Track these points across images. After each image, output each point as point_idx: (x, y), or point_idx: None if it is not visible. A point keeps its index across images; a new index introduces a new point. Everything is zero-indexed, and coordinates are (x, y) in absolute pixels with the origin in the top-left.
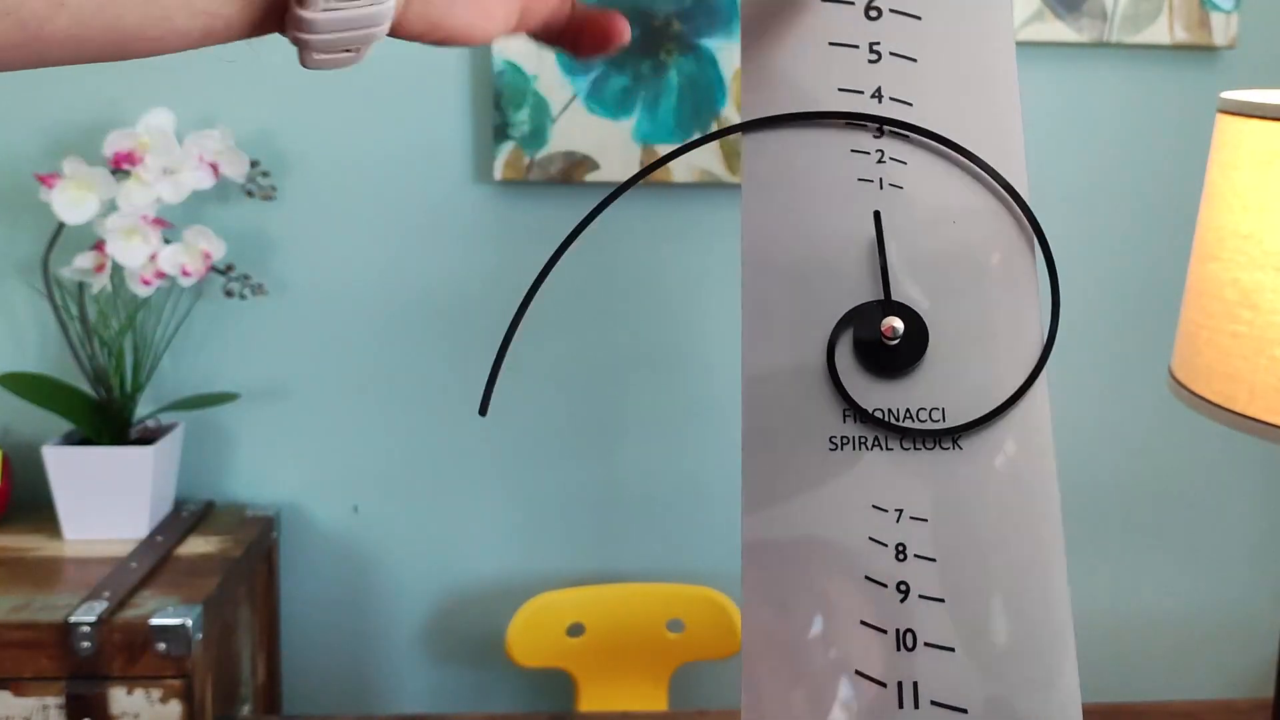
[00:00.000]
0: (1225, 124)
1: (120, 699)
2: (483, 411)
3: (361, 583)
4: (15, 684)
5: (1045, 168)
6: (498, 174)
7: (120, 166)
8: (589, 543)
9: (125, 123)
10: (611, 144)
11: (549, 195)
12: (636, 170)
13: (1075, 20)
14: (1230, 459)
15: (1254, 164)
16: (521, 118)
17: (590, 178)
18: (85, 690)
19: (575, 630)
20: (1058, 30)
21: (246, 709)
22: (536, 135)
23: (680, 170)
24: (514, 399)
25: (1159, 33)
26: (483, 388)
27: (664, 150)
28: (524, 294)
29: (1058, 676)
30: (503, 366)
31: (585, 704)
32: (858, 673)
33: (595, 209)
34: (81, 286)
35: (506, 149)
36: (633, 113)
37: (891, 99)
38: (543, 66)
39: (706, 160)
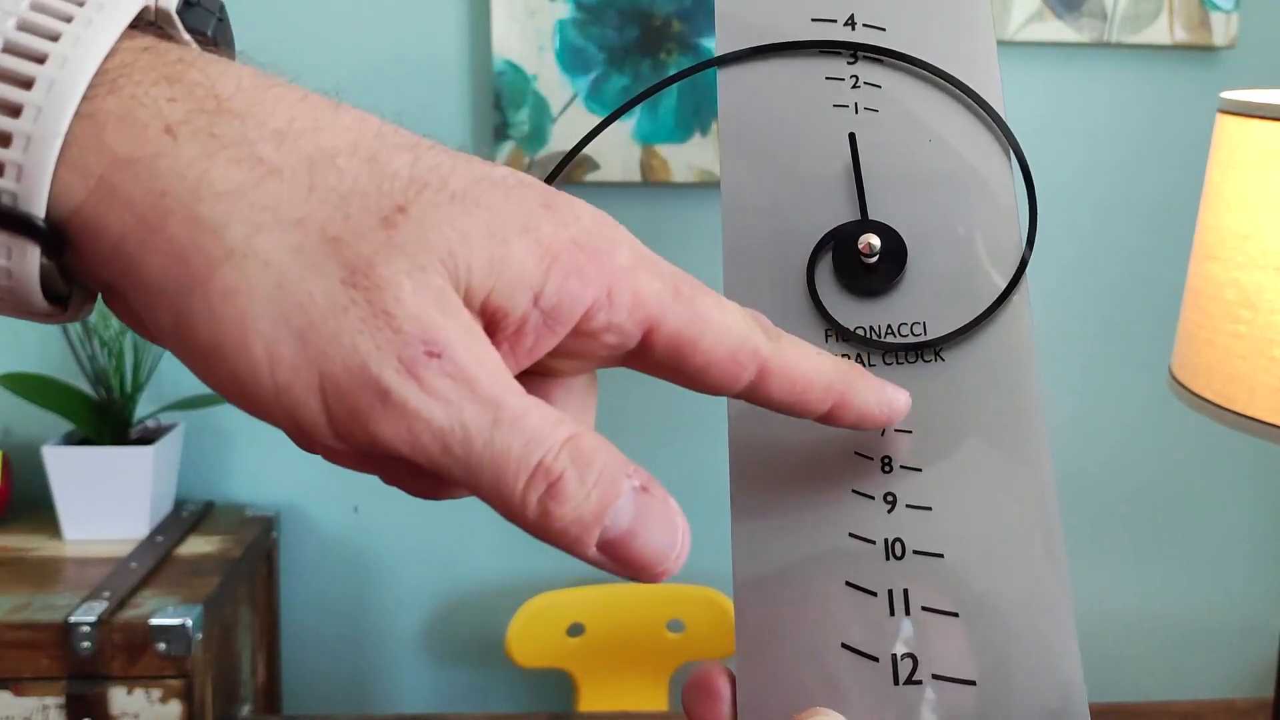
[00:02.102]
0: (1225, 124)
1: (120, 699)
2: None
3: (361, 583)
4: (15, 684)
5: (1045, 167)
6: None
7: None
8: None
9: None
10: (611, 144)
11: None
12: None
13: (1075, 20)
14: (1230, 459)
15: (1254, 164)
16: (521, 118)
17: (590, 178)
18: (85, 690)
19: (575, 630)
20: (1058, 30)
21: (246, 709)
22: (536, 135)
23: (680, 170)
24: None
25: (1159, 33)
26: None
27: (665, 150)
28: None
29: (1047, 575)
30: None
31: (585, 704)
32: (848, 584)
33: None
34: None
35: (506, 149)
36: (633, 113)
37: (865, 25)
38: (543, 66)
39: (706, 160)
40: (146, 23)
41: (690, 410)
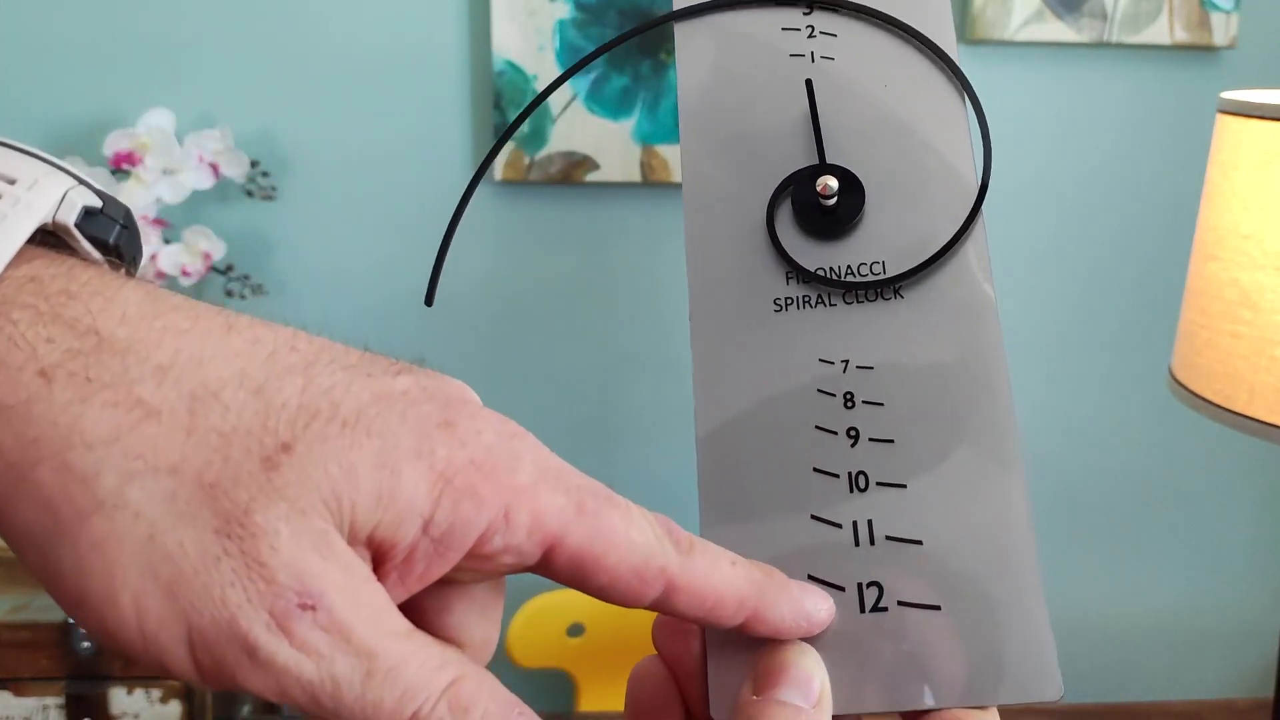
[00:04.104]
0: (1225, 124)
1: (120, 699)
2: (428, 302)
3: None
4: (15, 684)
5: (1045, 168)
6: (498, 174)
7: (120, 166)
8: None
9: (125, 123)
10: (611, 144)
11: (549, 196)
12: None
13: (1075, 20)
14: (1230, 459)
15: (1254, 164)
16: None
17: (590, 178)
18: (85, 690)
19: (575, 630)
20: (1058, 30)
21: (246, 709)
22: (536, 135)
23: (680, 170)
24: (513, 399)
25: (1159, 33)
26: (482, 388)
27: (664, 150)
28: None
29: (1007, 499)
30: (500, 366)
31: (585, 704)
32: (813, 517)
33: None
34: None
35: (506, 149)
36: (632, 113)
37: None
38: (543, 66)
39: None
40: (45, 232)
41: (689, 407)
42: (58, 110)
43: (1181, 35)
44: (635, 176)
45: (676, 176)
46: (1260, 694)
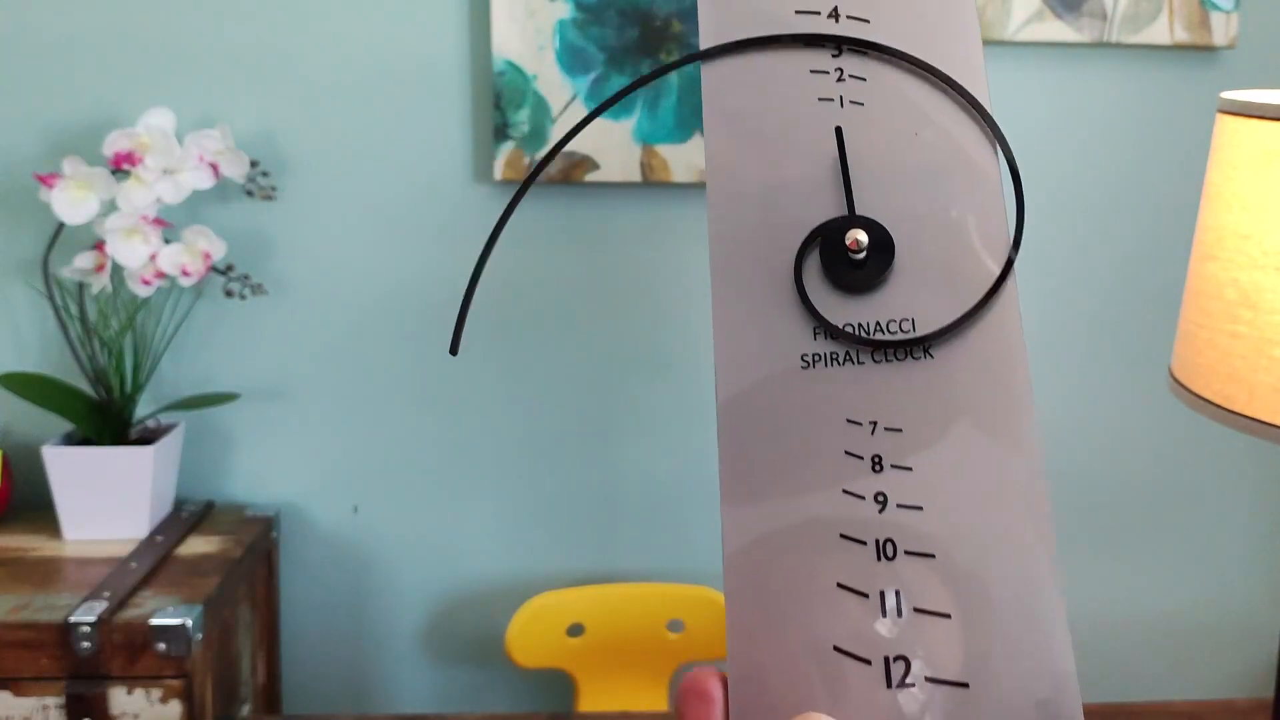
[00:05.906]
0: (1225, 124)
1: (120, 699)
2: (453, 351)
3: (361, 583)
4: (15, 684)
5: (1045, 168)
6: (498, 174)
7: (120, 166)
8: (589, 543)
9: (125, 122)
10: (611, 144)
11: (549, 195)
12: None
13: (1075, 20)
14: (1230, 459)
15: (1254, 164)
16: (521, 118)
17: (590, 178)
18: (85, 690)
19: (575, 630)
20: (1058, 30)
21: (246, 709)
22: (536, 135)
23: (680, 170)
24: (514, 399)
25: (1159, 33)
26: (482, 388)
27: (664, 150)
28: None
29: (1039, 567)
30: (500, 367)
31: (585, 704)
32: (839, 585)
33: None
34: (81, 286)
35: (506, 149)
36: (633, 113)
37: (849, 17)
38: (543, 66)
39: None
40: None
41: (693, 412)
42: (58, 110)
43: (1181, 35)
44: (635, 176)
45: (677, 177)
46: (1260, 694)
